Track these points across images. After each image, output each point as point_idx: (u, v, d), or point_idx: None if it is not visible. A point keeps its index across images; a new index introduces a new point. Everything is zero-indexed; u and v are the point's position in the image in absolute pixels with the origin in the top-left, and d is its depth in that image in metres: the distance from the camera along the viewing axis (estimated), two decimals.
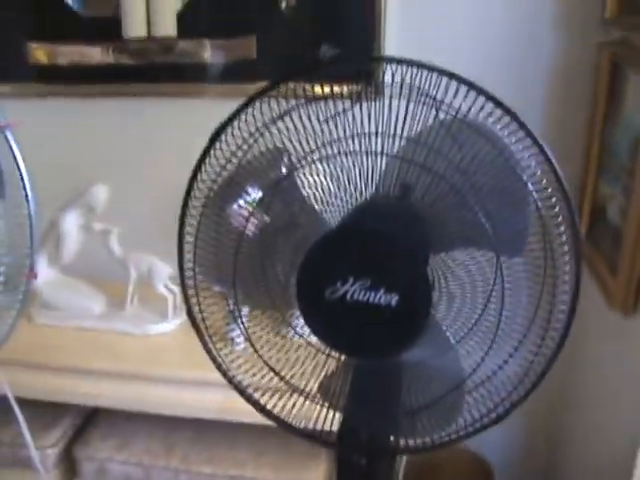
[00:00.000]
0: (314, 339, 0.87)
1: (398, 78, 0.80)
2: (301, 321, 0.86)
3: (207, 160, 0.87)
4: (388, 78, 0.81)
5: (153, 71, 1.89)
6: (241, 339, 0.94)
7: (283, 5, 1.79)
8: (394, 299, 0.77)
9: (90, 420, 1.87)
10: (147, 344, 1.76)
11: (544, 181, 0.77)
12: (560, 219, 0.77)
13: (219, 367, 0.95)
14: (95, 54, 1.86)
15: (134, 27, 1.82)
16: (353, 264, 0.78)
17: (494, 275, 0.82)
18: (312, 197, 0.85)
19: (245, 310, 0.92)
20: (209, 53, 1.85)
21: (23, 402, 1.42)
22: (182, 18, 1.81)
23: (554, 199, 0.77)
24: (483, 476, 2.02)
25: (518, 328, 0.84)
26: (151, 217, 1.92)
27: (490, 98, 0.76)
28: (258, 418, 1.61)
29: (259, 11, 1.82)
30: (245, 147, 0.86)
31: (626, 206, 1.46)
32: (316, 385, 0.93)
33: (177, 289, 1.78)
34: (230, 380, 0.95)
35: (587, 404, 1.78)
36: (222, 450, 1.72)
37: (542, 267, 0.82)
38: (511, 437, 2.07)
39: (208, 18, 1.85)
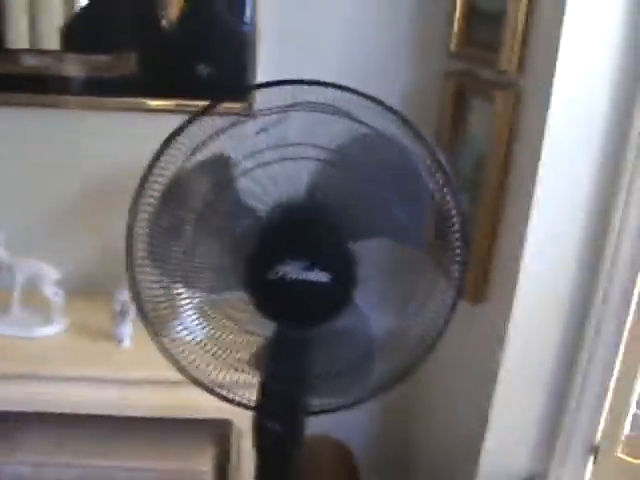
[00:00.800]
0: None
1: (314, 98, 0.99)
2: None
3: (156, 164, 1.01)
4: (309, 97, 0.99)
5: (29, 82, 1.94)
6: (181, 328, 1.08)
7: (164, 22, 1.92)
8: (326, 277, 0.95)
9: None
10: (34, 346, 1.81)
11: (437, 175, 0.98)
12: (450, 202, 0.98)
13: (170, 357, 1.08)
14: None
15: (16, 39, 1.88)
16: (291, 248, 0.96)
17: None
18: (250, 197, 1.01)
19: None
20: (88, 67, 1.93)
21: None
22: (65, 32, 1.89)
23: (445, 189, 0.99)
24: (345, 461, 2.21)
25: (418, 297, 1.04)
26: (35, 223, 1.99)
27: (389, 110, 0.96)
28: (150, 412, 1.73)
29: (140, 28, 1.93)
30: (189, 154, 1.01)
31: (473, 212, 1.73)
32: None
33: (62, 293, 1.85)
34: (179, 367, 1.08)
35: (437, 387, 2.03)
36: (116, 444, 1.80)
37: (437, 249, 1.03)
38: (368, 420, 2.28)
39: (90, 33, 1.93)
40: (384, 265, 1.03)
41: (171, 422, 1.77)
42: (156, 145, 1.00)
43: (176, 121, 1.00)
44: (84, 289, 2.00)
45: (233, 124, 1.00)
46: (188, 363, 1.08)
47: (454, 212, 0.99)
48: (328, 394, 1.09)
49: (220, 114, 1.00)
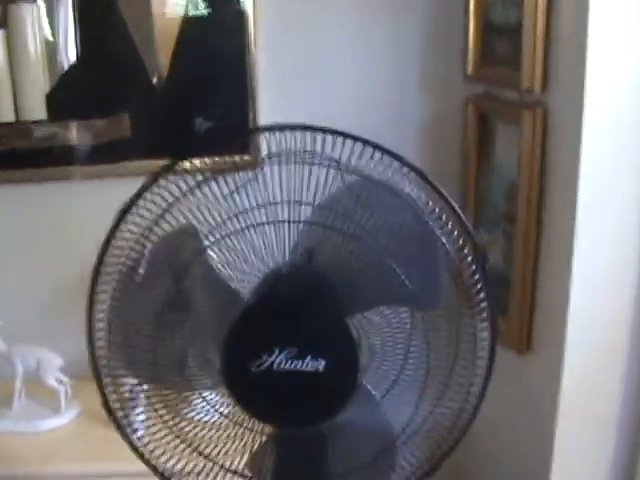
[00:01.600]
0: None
1: (299, 144, 0.82)
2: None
3: (112, 242, 0.84)
4: (289, 145, 0.82)
5: (21, 157, 1.82)
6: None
7: (154, 80, 1.79)
8: (321, 365, 0.77)
9: None
10: (40, 442, 1.66)
11: (449, 224, 0.79)
12: (470, 260, 0.80)
13: (142, 457, 0.90)
14: None
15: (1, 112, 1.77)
16: (278, 335, 0.78)
17: (410, 326, 0.84)
18: (225, 273, 0.84)
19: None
20: (81, 134, 1.81)
21: None
22: (51, 100, 1.77)
23: (461, 240, 0.80)
24: None
25: (440, 376, 0.85)
26: (33, 307, 1.84)
27: (388, 152, 0.78)
28: None
29: (130, 88, 1.80)
30: (149, 228, 0.85)
31: (508, 250, 1.53)
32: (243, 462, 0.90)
33: (67, 380, 1.69)
34: (156, 470, 0.91)
35: (486, 450, 1.81)
36: None
37: (458, 311, 0.84)
38: None
39: (78, 98, 1.81)
40: (392, 336, 0.84)
41: None
42: None
43: None
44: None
45: (199, 185, 0.83)
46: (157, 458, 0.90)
47: (477, 274, 0.80)
48: None
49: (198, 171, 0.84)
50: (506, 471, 1.71)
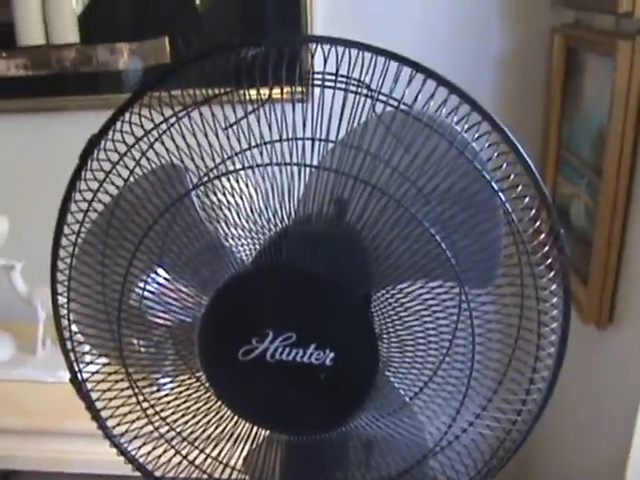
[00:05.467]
0: None
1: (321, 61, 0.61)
2: None
3: (79, 183, 0.67)
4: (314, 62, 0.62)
5: (56, 82, 1.66)
6: None
7: (197, 2, 1.59)
8: (329, 357, 0.58)
9: None
10: (63, 393, 1.53)
11: (519, 188, 0.58)
12: (543, 237, 0.58)
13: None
14: None
15: (29, 33, 1.60)
16: (272, 314, 0.58)
17: (457, 311, 0.63)
18: (217, 227, 0.65)
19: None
20: (122, 59, 1.64)
21: None
22: (84, 22, 1.60)
23: (532, 210, 0.59)
24: None
25: (490, 375, 0.65)
26: None
27: (443, 82, 0.57)
28: None
29: (171, 9, 1.61)
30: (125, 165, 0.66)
31: (593, 206, 1.30)
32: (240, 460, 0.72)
33: None
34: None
35: (560, 428, 1.61)
36: None
37: (519, 297, 0.63)
38: None
39: (113, 20, 1.63)
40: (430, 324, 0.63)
41: None
42: None
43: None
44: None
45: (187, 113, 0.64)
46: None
47: (550, 248, 0.59)
48: None
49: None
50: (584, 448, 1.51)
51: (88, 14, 1.61)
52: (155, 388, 0.77)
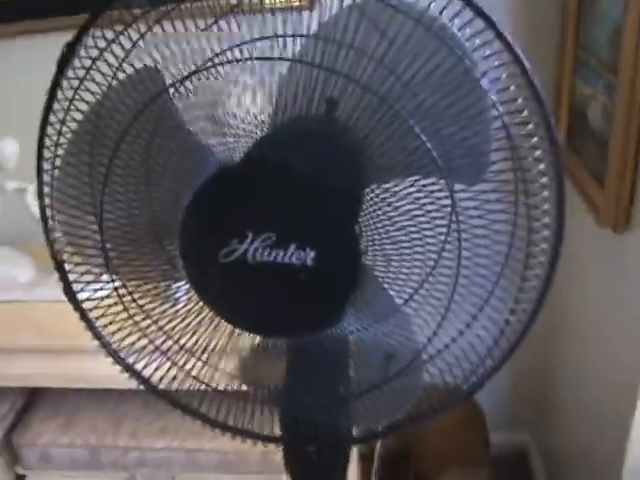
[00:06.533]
0: None
1: None
2: None
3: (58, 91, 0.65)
4: None
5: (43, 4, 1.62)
6: None
7: None
8: (309, 256, 0.56)
9: (31, 401, 1.67)
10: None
11: (511, 88, 0.55)
12: (532, 127, 0.56)
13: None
14: None
15: None
16: (252, 214, 0.57)
17: (450, 209, 0.61)
18: (197, 124, 0.63)
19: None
20: None
21: None
22: None
23: (524, 108, 0.56)
24: (474, 420, 1.85)
25: (483, 277, 0.63)
26: None
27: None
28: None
29: None
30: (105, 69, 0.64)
31: (611, 107, 1.25)
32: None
33: None
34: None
35: (578, 336, 1.59)
36: (174, 421, 1.52)
37: (513, 194, 0.61)
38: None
39: None
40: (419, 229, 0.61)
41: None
42: None
43: None
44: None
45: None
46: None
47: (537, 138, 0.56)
48: (362, 417, 0.71)
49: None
50: (597, 370, 1.50)
51: None
52: (161, 302, 0.77)
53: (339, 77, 0.57)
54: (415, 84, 0.55)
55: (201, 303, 0.66)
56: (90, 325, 0.77)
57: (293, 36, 0.59)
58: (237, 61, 0.58)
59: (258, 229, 0.56)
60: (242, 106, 0.64)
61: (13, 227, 1.64)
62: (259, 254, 0.56)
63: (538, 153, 0.57)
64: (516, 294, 0.62)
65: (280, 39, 0.60)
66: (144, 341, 0.76)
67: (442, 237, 0.61)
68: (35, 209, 1.53)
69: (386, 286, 0.61)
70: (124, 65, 0.63)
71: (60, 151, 0.69)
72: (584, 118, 1.39)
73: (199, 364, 0.73)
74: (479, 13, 0.55)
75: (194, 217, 0.58)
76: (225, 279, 0.59)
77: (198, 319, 0.69)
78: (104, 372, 1.46)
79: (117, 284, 0.74)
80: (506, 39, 0.55)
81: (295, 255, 0.56)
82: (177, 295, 0.85)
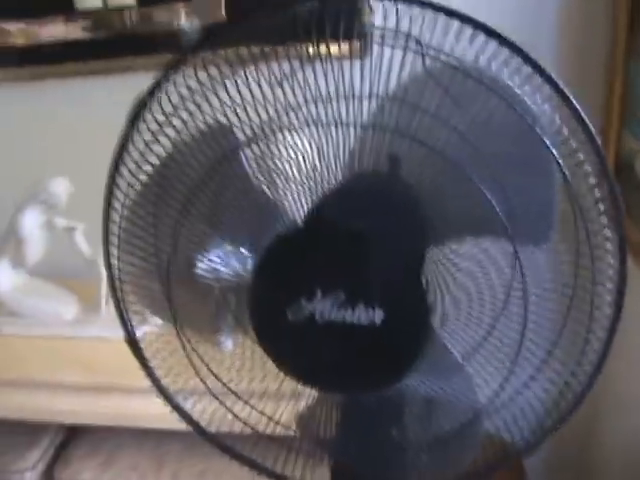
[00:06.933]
0: None
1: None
2: None
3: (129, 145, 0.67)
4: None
5: (115, 44, 1.67)
6: None
7: None
8: (378, 316, 0.57)
9: (71, 437, 1.69)
10: (126, 350, 1.56)
11: (572, 143, 0.56)
12: (597, 194, 0.56)
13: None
14: (45, 30, 1.65)
15: None
16: (320, 272, 0.58)
17: (511, 270, 0.62)
18: (268, 184, 0.65)
19: None
20: (182, 18, 1.63)
21: None
22: None
23: (586, 166, 0.57)
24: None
25: (545, 336, 0.64)
26: None
27: (492, 34, 0.55)
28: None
29: None
30: (178, 124, 0.66)
31: None
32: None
33: None
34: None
35: (626, 403, 1.57)
36: (216, 463, 1.52)
37: (574, 256, 0.61)
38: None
39: None
40: (484, 284, 0.62)
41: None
42: None
43: None
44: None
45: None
46: None
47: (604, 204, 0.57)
48: (421, 472, 0.72)
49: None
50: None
51: None
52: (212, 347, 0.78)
53: (413, 141, 0.58)
54: (490, 154, 0.56)
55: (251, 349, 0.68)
56: (144, 363, 0.78)
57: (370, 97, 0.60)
58: (314, 124, 0.60)
59: (327, 287, 0.57)
60: (309, 162, 0.65)
61: (58, 265, 1.67)
62: (327, 312, 0.58)
63: (602, 220, 0.58)
64: (578, 357, 0.62)
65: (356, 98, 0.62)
66: (195, 381, 0.77)
67: (503, 297, 0.62)
68: (83, 248, 1.58)
69: (451, 343, 0.62)
70: (197, 122, 0.66)
71: (128, 201, 0.71)
72: (631, 171, 1.39)
73: (247, 408, 0.74)
74: (542, 73, 0.56)
75: (263, 275, 0.59)
76: (291, 336, 0.60)
77: (248, 364, 0.70)
78: (147, 411, 1.49)
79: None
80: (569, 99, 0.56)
81: (364, 315, 0.57)
82: (222, 339, 0.87)
